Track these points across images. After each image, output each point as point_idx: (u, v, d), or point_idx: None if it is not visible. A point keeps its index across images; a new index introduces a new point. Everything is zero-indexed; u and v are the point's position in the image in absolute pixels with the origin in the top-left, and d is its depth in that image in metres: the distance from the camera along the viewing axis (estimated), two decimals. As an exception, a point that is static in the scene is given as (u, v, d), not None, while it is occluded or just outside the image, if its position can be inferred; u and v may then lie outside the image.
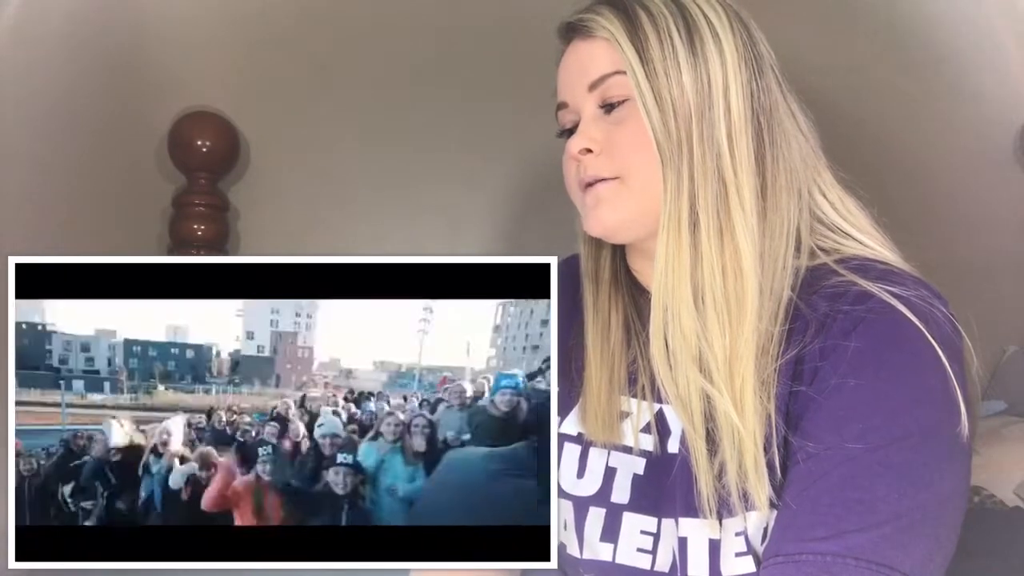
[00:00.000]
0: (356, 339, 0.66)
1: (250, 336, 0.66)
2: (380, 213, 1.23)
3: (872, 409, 0.57)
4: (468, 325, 0.64)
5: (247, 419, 0.64)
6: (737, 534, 0.62)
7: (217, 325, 0.65)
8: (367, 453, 0.62)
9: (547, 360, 0.61)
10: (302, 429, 0.63)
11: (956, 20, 1.21)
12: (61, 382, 0.64)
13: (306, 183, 1.22)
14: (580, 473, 0.69)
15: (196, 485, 0.62)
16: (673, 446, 0.66)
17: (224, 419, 0.65)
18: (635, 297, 0.72)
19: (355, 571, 0.61)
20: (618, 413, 0.68)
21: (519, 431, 0.61)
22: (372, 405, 0.65)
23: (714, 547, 0.62)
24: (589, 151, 0.66)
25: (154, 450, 0.62)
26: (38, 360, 0.63)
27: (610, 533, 0.67)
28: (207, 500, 0.61)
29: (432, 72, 1.22)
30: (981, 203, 1.24)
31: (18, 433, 0.60)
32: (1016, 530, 0.91)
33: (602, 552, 0.67)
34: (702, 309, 0.61)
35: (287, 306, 0.66)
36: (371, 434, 0.63)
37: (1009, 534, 0.90)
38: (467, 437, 0.62)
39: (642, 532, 0.66)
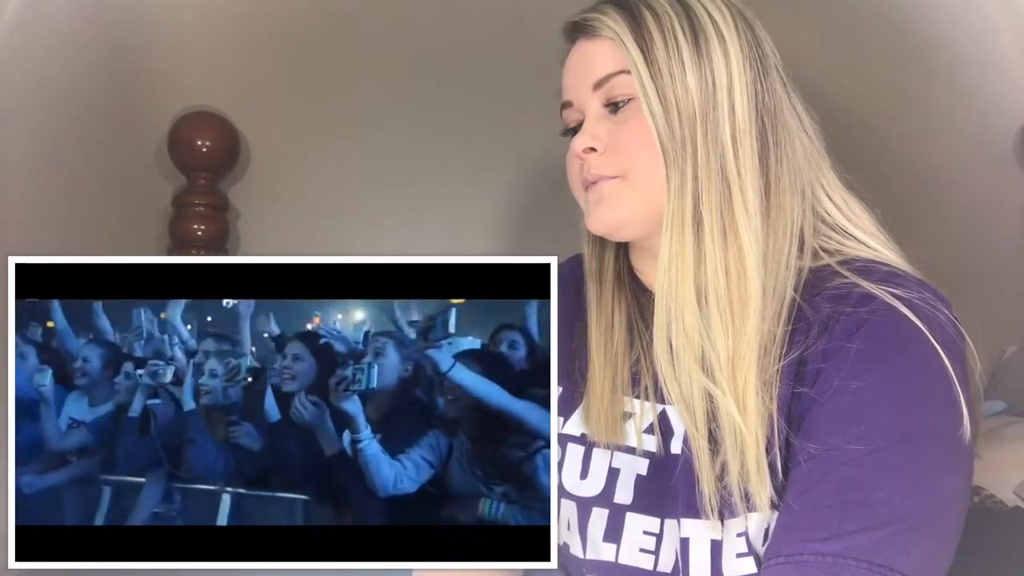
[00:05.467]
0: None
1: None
2: (380, 213, 1.22)
3: (874, 411, 0.57)
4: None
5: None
6: (739, 535, 0.62)
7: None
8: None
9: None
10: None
11: (956, 20, 1.21)
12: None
13: (306, 183, 1.22)
14: (584, 474, 0.69)
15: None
16: (676, 447, 0.66)
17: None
18: (638, 297, 0.72)
19: (355, 571, 0.61)
20: (621, 414, 0.68)
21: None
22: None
23: (716, 548, 0.62)
24: (593, 150, 0.66)
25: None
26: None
27: (613, 533, 0.67)
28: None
29: (433, 72, 1.21)
30: (981, 203, 1.24)
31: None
32: (1016, 530, 0.91)
33: (605, 552, 0.67)
34: (705, 309, 0.61)
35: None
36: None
37: (1009, 534, 0.90)
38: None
39: (645, 533, 0.66)
